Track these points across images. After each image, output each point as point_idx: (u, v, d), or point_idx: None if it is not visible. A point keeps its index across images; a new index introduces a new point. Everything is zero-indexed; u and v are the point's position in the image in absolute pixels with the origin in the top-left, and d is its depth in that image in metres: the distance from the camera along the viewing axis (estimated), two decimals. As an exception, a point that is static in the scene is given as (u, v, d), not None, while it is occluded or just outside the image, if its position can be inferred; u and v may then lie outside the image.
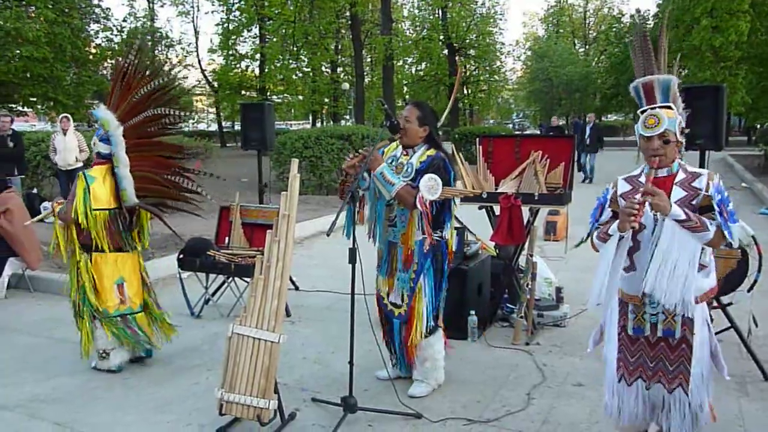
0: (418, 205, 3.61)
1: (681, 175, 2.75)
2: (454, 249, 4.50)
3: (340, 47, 36.35)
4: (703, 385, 2.79)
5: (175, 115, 4.37)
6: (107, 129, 4.25)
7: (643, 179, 2.77)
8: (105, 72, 26.84)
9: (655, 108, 2.77)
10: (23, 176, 10.40)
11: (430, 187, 3.61)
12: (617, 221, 2.72)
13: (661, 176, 2.75)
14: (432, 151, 3.80)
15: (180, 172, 4.53)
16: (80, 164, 9.83)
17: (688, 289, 2.63)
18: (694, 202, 2.69)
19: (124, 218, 4.38)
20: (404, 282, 3.83)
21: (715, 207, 2.62)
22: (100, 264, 4.32)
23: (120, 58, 4.39)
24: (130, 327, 4.38)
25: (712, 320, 3.01)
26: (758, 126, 29.66)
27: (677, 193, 2.71)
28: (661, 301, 2.67)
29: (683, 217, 2.61)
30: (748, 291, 4.16)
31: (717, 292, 4.05)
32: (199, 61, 38.33)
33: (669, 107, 2.78)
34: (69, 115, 10.33)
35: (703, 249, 2.68)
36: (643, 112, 2.81)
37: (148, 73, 4.37)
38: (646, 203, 2.61)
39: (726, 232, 2.59)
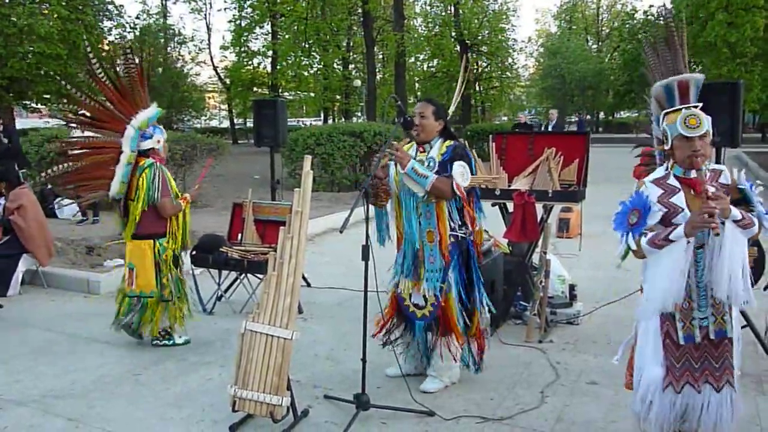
0: (457, 192, 3.61)
1: (708, 173, 2.71)
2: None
3: (351, 44, 36.33)
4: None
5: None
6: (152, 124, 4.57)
7: (671, 181, 2.74)
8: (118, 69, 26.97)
9: (694, 108, 2.72)
10: (24, 170, 10.41)
11: (462, 174, 3.62)
12: (681, 226, 2.59)
13: (692, 177, 2.70)
14: (449, 142, 3.81)
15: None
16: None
17: (747, 284, 2.61)
18: (739, 189, 2.70)
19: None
20: (432, 281, 3.78)
21: (752, 198, 2.63)
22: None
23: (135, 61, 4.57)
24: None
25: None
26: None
27: (710, 191, 2.63)
28: (734, 303, 2.65)
29: (740, 216, 2.58)
30: (765, 289, 4.11)
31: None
32: (212, 58, 38.50)
33: (700, 107, 2.74)
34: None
35: None
36: (673, 111, 2.75)
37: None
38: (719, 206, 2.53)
39: (766, 222, 2.61)
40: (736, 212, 2.57)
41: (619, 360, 3.08)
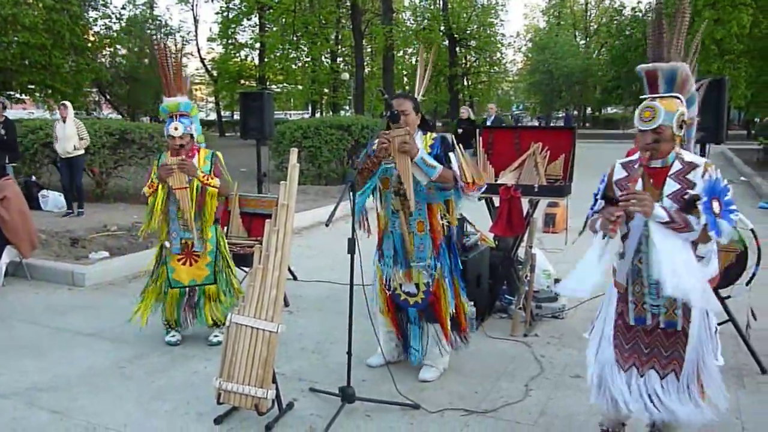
0: (460, 181, 3.72)
1: (677, 166, 2.70)
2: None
3: (340, 37, 36.22)
4: (706, 373, 2.77)
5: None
6: (195, 114, 4.56)
7: (637, 166, 2.74)
8: (103, 60, 26.72)
9: (654, 99, 2.70)
10: (15, 164, 10.33)
11: (460, 165, 3.74)
12: (600, 215, 2.73)
13: (656, 167, 2.72)
14: (433, 134, 3.89)
15: None
16: (81, 152, 9.75)
17: (696, 279, 2.58)
18: (686, 197, 2.65)
19: None
20: (425, 269, 3.86)
21: (701, 207, 2.56)
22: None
23: (165, 51, 4.52)
24: None
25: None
26: (757, 120, 29.64)
27: (670, 185, 2.68)
28: (673, 294, 2.60)
29: (666, 218, 2.59)
30: (747, 284, 4.15)
31: (716, 284, 4.08)
32: (199, 50, 38.27)
33: (675, 97, 2.70)
34: (67, 103, 10.22)
35: (696, 243, 2.66)
36: (642, 100, 2.75)
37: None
38: (631, 208, 2.60)
39: (713, 232, 2.53)
40: (661, 214, 2.58)
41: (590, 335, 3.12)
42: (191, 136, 4.45)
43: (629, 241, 2.76)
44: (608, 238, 2.72)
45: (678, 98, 2.70)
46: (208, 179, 4.41)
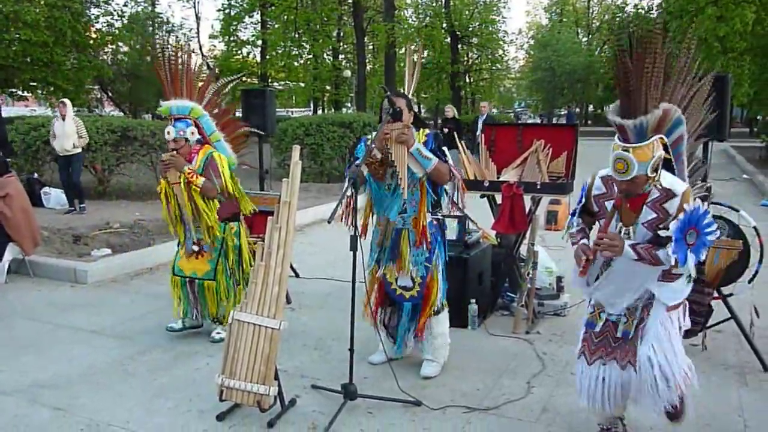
0: (457, 175, 3.82)
1: (654, 194, 2.70)
2: (454, 237, 4.90)
3: (342, 34, 36.13)
4: (668, 359, 2.77)
5: (232, 81, 4.98)
6: (199, 114, 4.57)
7: (616, 186, 2.77)
8: (105, 57, 26.68)
9: (627, 150, 2.61)
10: (9, 159, 10.30)
11: (462, 162, 3.78)
12: (576, 245, 2.94)
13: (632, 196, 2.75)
14: (426, 130, 3.92)
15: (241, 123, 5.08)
16: (78, 150, 9.75)
17: (640, 294, 2.85)
18: (661, 225, 2.70)
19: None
20: (419, 263, 3.90)
21: (671, 245, 2.61)
22: (245, 230, 4.81)
23: (172, 58, 4.58)
24: None
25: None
26: (760, 118, 29.58)
27: (646, 213, 2.73)
28: (610, 310, 2.94)
29: (635, 257, 2.71)
30: (749, 282, 4.15)
31: (718, 281, 4.09)
32: (200, 47, 38.15)
33: (649, 143, 2.61)
34: (67, 101, 10.20)
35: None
36: (617, 147, 2.66)
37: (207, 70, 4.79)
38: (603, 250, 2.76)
39: (681, 267, 2.67)
40: (631, 254, 2.71)
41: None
42: (186, 139, 4.47)
43: (595, 262, 2.91)
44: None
45: (652, 142, 2.62)
46: (192, 176, 4.40)
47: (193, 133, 4.49)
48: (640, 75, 2.67)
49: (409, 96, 3.97)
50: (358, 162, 3.71)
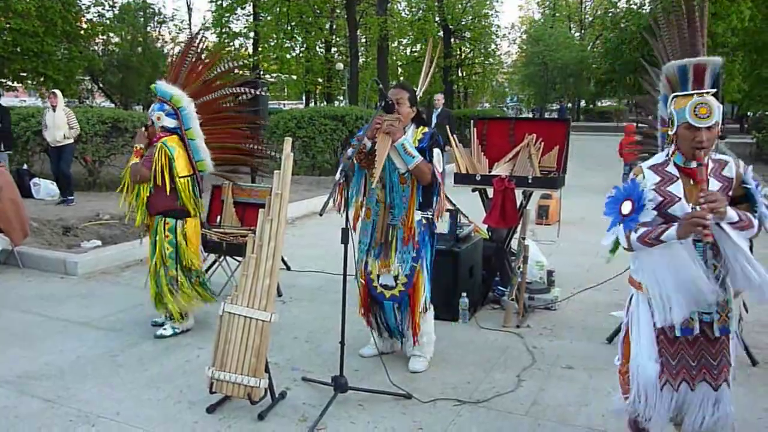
0: (438, 177, 3.78)
1: (711, 164, 2.55)
2: (446, 231, 4.88)
3: (334, 27, 36.02)
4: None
5: (247, 92, 4.82)
6: (179, 105, 4.53)
7: (670, 168, 2.58)
8: (96, 47, 26.51)
9: (707, 95, 2.52)
10: (10, 152, 10.28)
11: (439, 161, 3.79)
12: (674, 226, 2.45)
13: (693, 167, 2.55)
14: (424, 128, 3.90)
15: (252, 140, 5.02)
16: (70, 141, 9.70)
17: (759, 274, 2.47)
18: (730, 194, 2.53)
19: (199, 185, 4.69)
20: (406, 262, 3.88)
21: (757, 198, 2.48)
22: (190, 228, 4.62)
23: (188, 43, 4.74)
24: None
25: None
26: (751, 114, 29.73)
27: (713, 184, 2.52)
28: (753, 300, 2.55)
29: (736, 219, 2.44)
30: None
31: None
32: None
33: (714, 94, 2.55)
34: (57, 91, 10.15)
35: None
36: (684, 96, 2.56)
37: (213, 57, 4.88)
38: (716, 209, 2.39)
39: (767, 224, 2.46)
40: (732, 214, 2.43)
41: (620, 360, 2.90)
42: (152, 122, 4.54)
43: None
44: (686, 248, 2.49)
45: (716, 96, 2.57)
46: (134, 155, 4.50)
47: (159, 118, 4.50)
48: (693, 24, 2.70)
49: (419, 93, 3.94)
50: (349, 152, 3.70)
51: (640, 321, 2.69)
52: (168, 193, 4.46)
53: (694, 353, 2.64)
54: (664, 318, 2.56)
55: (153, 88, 4.60)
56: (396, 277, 3.90)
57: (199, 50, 4.73)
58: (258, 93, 4.92)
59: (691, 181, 2.56)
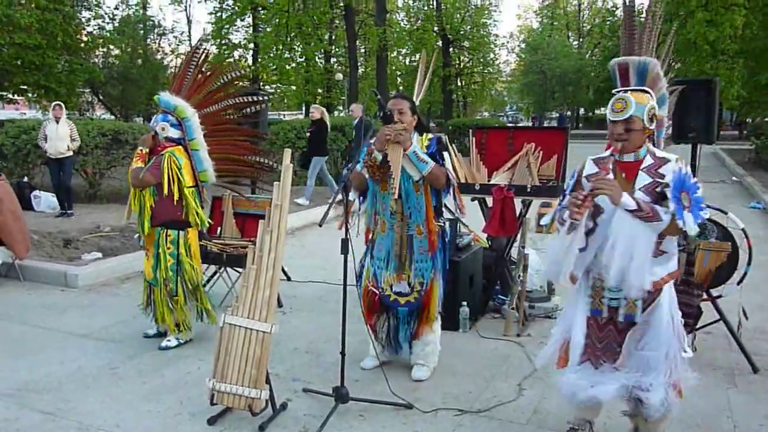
0: (452, 179, 3.83)
1: (648, 161, 2.75)
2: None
3: (333, 37, 36.15)
4: (668, 365, 2.79)
5: (252, 102, 4.87)
6: (183, 116, 4.53)
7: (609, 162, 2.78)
8: (96, 60, 26.61)
9: (626, 91, 2.75)
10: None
11: (453, 165, 3.81)
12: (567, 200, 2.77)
13: (627, 161, 2.77)
14: (430, 135, 3.93)
15: (255, 152, 5.03)
16: (71, 153, 9.75)
17: (643, 274, 2.64)
18: (658, 189, 2.69)
19: (200, 196, 4.70)
20: (424, 270, 3.90)
21: (669, 196, 2.61)
22: (192, 238, 4.62)
23: (190, 54, 4.76)
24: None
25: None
26: (749, 120, 29.77)
27: (642, 178, 2.73)
28: (623, 288, 2.71)
29: (633, 206, 2.60)
30: (738, 284, 4.18)
31: (708, 283, 4.10)
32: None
33: (644, 91, 2.75)
34: (62, 104, 10.22)
35: (664, 236, 2.69)
36: (615, 94, 2.79)
37: (218, 68, 4.90)
38: (598, 193, 2.63)
39: (680, 221, 2.56)
40: (629, 202, 2.60)
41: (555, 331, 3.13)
42: (156, 133, 4.53)
43: (596, 234, 2.78)
44: (573, 232, 2.73)
45: (648, 92, 2.76)
46: (136, 158, 4.49)
47: (164, 128, 4.50)
48: (643, 28, 2.90)
49: (416, 101, 3.97)
50: (358, 165, 3.70)
51: (577, 303, 2.98)
52: (174, 204, 4.46)
53: (602, 336, 2.88)
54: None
55: (156, 99, 4.60)
56: (411, 285, 3.92)
57: (201, 61, 4.74)
58: (261, 107, 4.97)
59: (623, 174, 2.76)
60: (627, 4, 3.03)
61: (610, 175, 2.72)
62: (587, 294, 2.91)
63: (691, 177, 2.67)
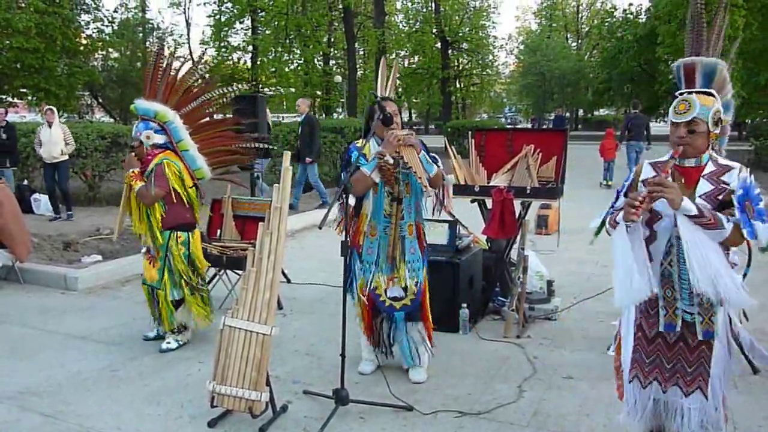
0: (446, 181, 3.94)
1: (710, 167, 2.59)
2: (445, 242, 4.98)
3: (332, 40, 36.17)
4: (721, 386, 2.67)
5: (226, 94, 4.87)
6: (165, 120, 4.48)
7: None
8: (96, 63, 26.60)
9: (690, 93, 2.59)
10: (15, 168, 10.32)
11: (452, 168, 3.85)
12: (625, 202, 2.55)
13: (688, 166, 2.60)
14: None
15: (241, 139, 4.98)
16: (65, 157, 9.74)
17: (725, 281, 2.44)
18: (720, 197, 2.53)
19: (200, 194, 4.73)
20: (417, 269, 3.92)
21: (735, 203, 2.44)
22: (197, 239, 4.67)
23: (157, 59, 4.64)
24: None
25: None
26: (748, 121, 29.80)
27: (703, 186, 2.56)
28: (705, 289, 2.46)
29: (694, 212, 2.44)
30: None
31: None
32: (191, 53, 38.11)
33: (709, 93, 2.60)
34: (53, 108, 10.21)
35: (728, 247, 2.53)
36: (679, 96, 2.63)
37: (188, 68, 4.80)
38: (657, 195, 2.45)
39: (746, 230, 2.39)
40: (690, 206, 2.44)
41: (613, 351, 3.00)
42: (141, 142, 4.48)
43: (657, 243, 2.62)
44: (630, 234, 2.54)
45: (713, 95, 2.61)
46: (133, 179, 4.44)
47: (149, 137, 4.46)
48: (711, 27, 2.76)
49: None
50: (367, 171, 3.69)
51: (629, 321, 2.78)
52: (185, 206, 4.51)
53: (671, 356, 2.68)
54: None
55: (133, 108, 4.54)
56: (405, 288, 3.90)
57: (169, 61, 4.64)
58: (230, 92, 4.95)
59: (683, 180, 2.61)
60: (697, 3, 2.82)
61: (670, 179, 2.55)
62: (661, 305, 2.67)
63: (756, 187, 2.51)
